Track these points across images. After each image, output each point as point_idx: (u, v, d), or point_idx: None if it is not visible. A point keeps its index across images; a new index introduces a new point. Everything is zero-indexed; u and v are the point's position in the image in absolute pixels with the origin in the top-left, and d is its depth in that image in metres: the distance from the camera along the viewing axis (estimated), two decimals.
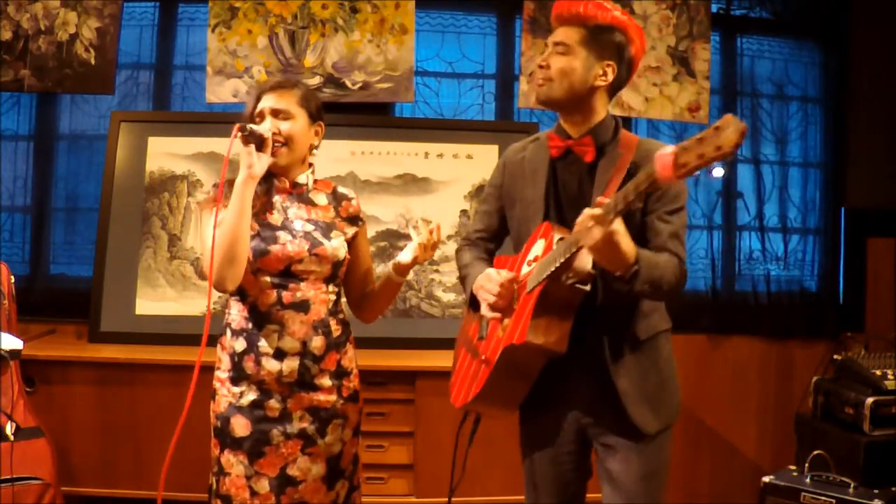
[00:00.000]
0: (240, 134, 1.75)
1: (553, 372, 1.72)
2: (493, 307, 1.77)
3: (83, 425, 2.84)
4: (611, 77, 1.77)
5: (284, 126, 1.84)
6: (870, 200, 3.59)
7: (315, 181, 1.96)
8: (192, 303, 3.16)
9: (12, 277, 2.83)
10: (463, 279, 1.94)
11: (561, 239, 1.65)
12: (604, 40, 1.76)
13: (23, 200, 3.43)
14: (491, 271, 1.80)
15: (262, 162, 1.77)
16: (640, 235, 1.69)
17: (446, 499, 2.03)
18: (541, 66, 1.77)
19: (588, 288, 1.63)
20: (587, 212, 1.49)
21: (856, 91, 3.61)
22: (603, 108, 1.79)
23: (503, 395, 1.78)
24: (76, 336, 3.17)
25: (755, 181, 3.59)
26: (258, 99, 1.87)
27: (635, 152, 1.73)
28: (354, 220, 1.98)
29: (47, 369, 2.83)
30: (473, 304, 1.87)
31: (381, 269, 3.24)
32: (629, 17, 1.79)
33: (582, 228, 1.49)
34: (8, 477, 2.49)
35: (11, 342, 2.63)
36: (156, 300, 3.18)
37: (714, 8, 3.56)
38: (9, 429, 2.55)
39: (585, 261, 1.58)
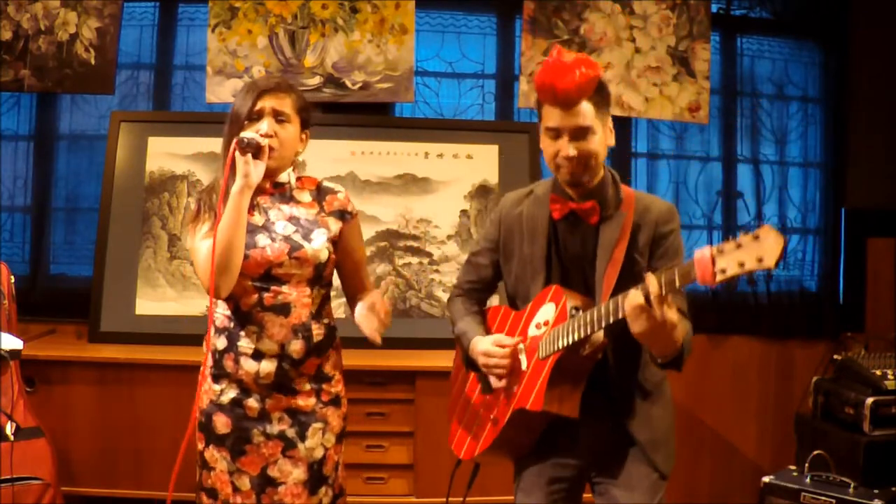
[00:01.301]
0: (236, 145, 1.73)
1: (559, 420, 1.72)
2: (500, 377, 1.79)
3: (83, 425, 2.84)
4: (612, 130, 1.74)
5: (281, 130, 1.83)
6: (870, 200, 3.59)
7: (299, 179, 1.93)
8: (192, 303, 3.16)
9: (12, 277, 2.82)
10: (458, 336, 1.92)
11: (576, 308, 1.66)
12: (604, 98, 1.70)
13: (23, 200, 3.43)
14: (490, 347, 1.78)
15: (258, 170, 1.76)
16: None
17: (445, 499, 2.03)
18: (568, 158, 1.67)
19: (599, 357, 1.67)
20: (636, 301, 1.46)
21: (856, 91, 3.61)
22: (603, 164, 1.75)
23: (510, 449, 1.84)
24: (76, 336, 3.17)
25: (755, 181, 3.59)
26: (258, 97, 1.83)
27: (635, 209, 1.73)
28: (341, 214, 1.92)
29: (47, 369, 2.83)
30: (471, 364, 1.87)
31: (381, 269, 3.25)
32: (585, 56, 1.70)
33: (632, 314, 1.47)
34: (8, 477, 2.49)
35: (11, 342, 2.63)
36: (156, 300, 3.18)
37: (714, 8, 3.56)
38: (9, 429, 2.55)
39: (600, 333, 1.61)
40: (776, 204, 3.62)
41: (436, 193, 3.31)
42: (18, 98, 3.42)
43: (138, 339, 3.08)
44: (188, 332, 3.03)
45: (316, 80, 3.38)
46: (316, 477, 1.85)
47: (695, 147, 3.61)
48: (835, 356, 3.17)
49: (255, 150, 1.75)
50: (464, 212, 3.30)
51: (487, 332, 1.89)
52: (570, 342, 1.61)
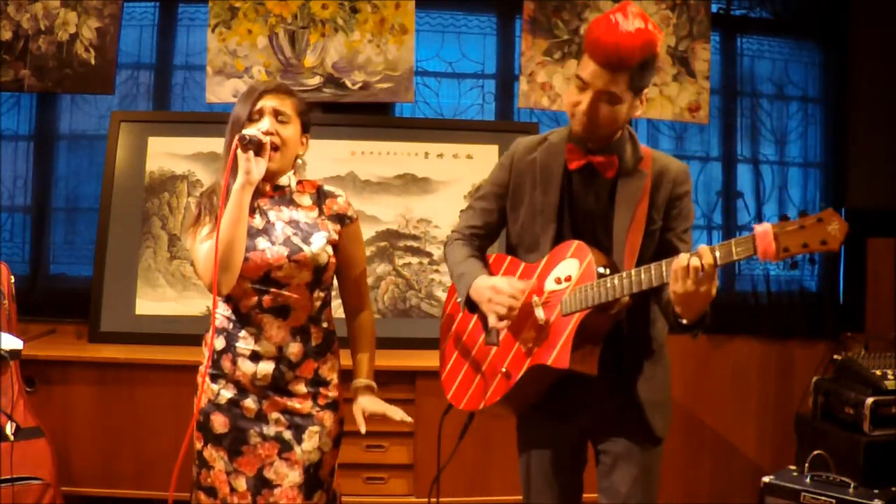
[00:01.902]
0: (237, 142, 1.73)
1: (564, 377, 1.71)
2: (503, 317, 1.72)
3: (83, 425, 2.84)
4: (642, 106, 1.71)
5: (282, 129, 1.83)
6: (870, 200, 3.59)
7: (299, 182, 1.92)
8: (192, 303, 3.16)
9: (12, 277, 2.82)
10: (457, 277, 1.85)
11: (604, 266, 1.64)
12: (646, 74, 1.65)
13: (23, 200, 3.43)
14: (500, 282, 1.72)
15: (259, 167, 1.76)
16: (658, 251, 1.70)
17: (446, 499, 2.03)
18: (584, 113, 1.64)
19: (622, 317, 1.67)
20: (688, 263, 1.45)
21: (856, 91, 3.61)
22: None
23: (520, 403, 1.82)
24: (76, 336, 3.17)
25: (755, 181, 3.59)
26: (258, 98, 1.83)
27: (652, 168, 1.71)
28: (341, 218, 1.91)
29: (47, 369, 2.83)
30: (471, 305, 1.81)
31: (381, 269, 3.25)
32: (655, 27, 1.64)
33: (680, 274, 1.46)
34: (8, 477, 2.49)
35: (11, 342, 2.63)
36: (156, 300, 3.18)
37: (714, 8, 3.56)
38: (9, 429, 2.55)
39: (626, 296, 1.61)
40: (776, 204, 3.62)
41: (436, 193, 3.31)
42: (18, 98, 3.42)
43: (138, 339, 3.08)
44: (188, 332, 3.03)
45: (316, 80, 3.38)
46: (312, 481, 1.84)
47: (695, 147, 3.61)
48: (835, 356, 3.17)
49: (257, 148, 1.75)
50: (463, 212, 3.29)
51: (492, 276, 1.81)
52: (600, 302, 1.59)
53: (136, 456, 2.83)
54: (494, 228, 1.92)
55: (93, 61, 3.33)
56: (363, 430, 1.89)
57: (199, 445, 1.87)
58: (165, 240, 3.22)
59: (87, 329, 3.13)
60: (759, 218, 3.58)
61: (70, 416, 2.83)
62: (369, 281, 3.06)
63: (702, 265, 1.43)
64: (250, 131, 1.76)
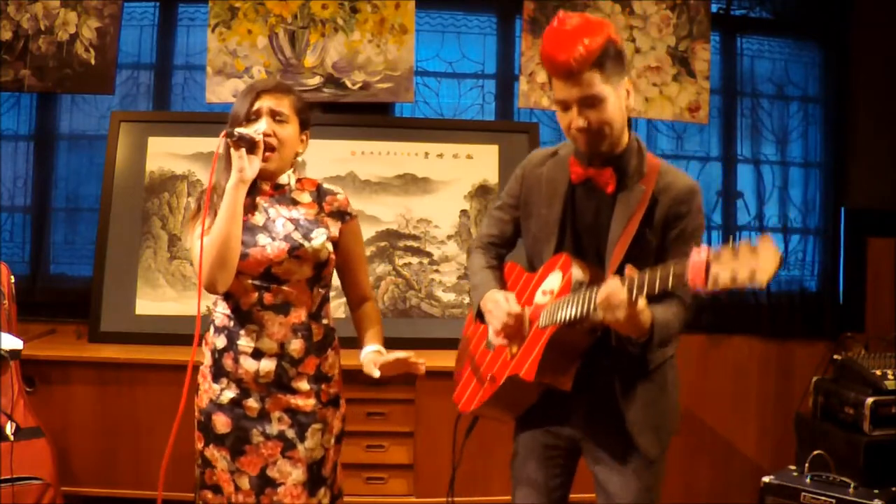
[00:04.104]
0: (228, 140, 1.73)
1: (559, 391, 1.72)
2: (498, 334, 1.77)
3: (83, 425, 2.84)
4: (632, 92, 1.69)
5: (279, 129, 1.83)
6: (870, 200, 3.59)
7: (299, 180, 1.93)
8: (192, 303, 3.16)
9: (12, 277, 2.83)
10: (472, 287, 1.90)
11: (580, 283, 1.64)
12: (614, 62, 1.61)
13: (23, 200, 3.43)
14: (500, 298, 1.76)
15: (253, 165, 1.76)
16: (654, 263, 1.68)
17: (446, 499, 2.03)
18: (579, 129, 1.63)
19: (599, 334, 1.66)
20: (614, 291, 1.46)
21: (856, 91, 3.61)
22: (626, 130, 1.71)
23: (506, 407, 1.84)
24: (76, 336, 3.17)
25: (755, 181, 3.59)
26: (256, 98, 1.83)
27: (655, 184, 1.68)
28: (341, 214, 1.92)
29: (47, 369, 2.83)
30: (480, 316, 1.86)
31: (381, 269, 3.25)
32: (597, 19, 1.64)
33: (605, 304, 1.48)
34: (8, 477, 2.49)
35: (11, 342, 2.63)
36: (156, 300, 3.18)
37: (714, 8, 3.56)
38: (9, 429, 2.55)
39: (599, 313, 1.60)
40: (776, 204, 3.61)
41: (436, 193, 3.31)
42: (18, 98, 3.43)
43: (138, 339, 3.08)
44: (188, 332, 3.01)
45: (316, 80, 3.38)
46: (315, 478, 1.85)
47: (694, 147, 3.61)
48: (835, 356, 3.16)
49: (249, 146, 1.75)
50: (464, 212, 3.30)
51: (503, 289, 1.86)
52: (570, 317, 1.59)
53: (135, 456, 2.83)
54: (510, 238, 1.95)
55: (93, 61, 3.33)
56: (377, 374, 1.84)
57: (199, 445, 1.87)
58: (165, 240, 3.22)
59: (87, 329, 3.13)
60: (760, 218, 3.59)
61: (70, 416, 2.83)
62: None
63: (619, 297, 1.45)
64: (241, 130, 1.76)
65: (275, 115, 1.83)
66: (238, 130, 1.75)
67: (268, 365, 1.81)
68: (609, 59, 1.60)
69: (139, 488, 2.83)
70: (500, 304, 1.74)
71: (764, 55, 3.66)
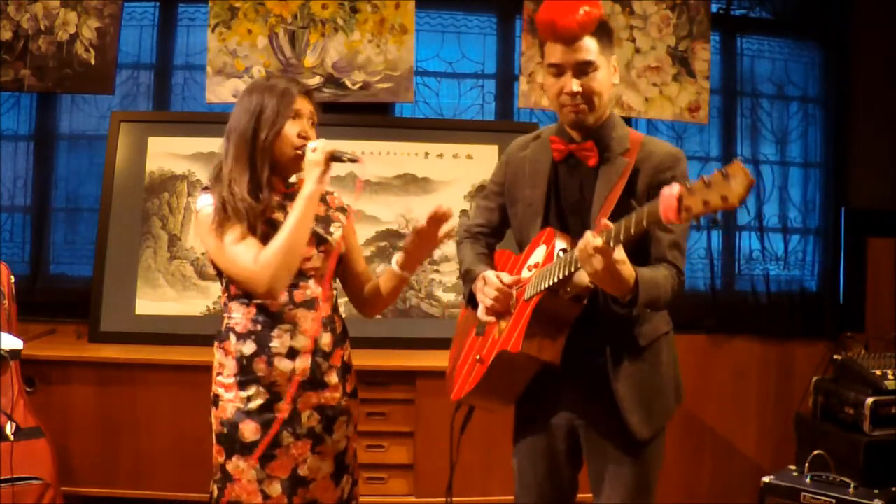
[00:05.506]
0: (329, 159, 1.79)
1: (550, 372, 1.71)
2: (489, 311, 1.78)
3: (83, 425, 2.84)
4: (618, 71, 1.73)
5: (312, 133, 1.86)
6: (870, 200, 3.59)
7: (298, 180, 1.95)
8: (192, 303, 3.16)
9: (12, 277, 2.83)
10: (464, 275, 1.91)
11: (563, 250, 1.64)
12: (607, 36, 1.69)
13: (23, 200, 3.44)
14: (490, 275, 1.78)
15: (327, 177, 1.81)
16: (641, 241, 1.66)
17: (446, 499, 2.03)
18: (572, 94, 1.66)
19: (585, 303, 1.65)
20: (588, 240, 1.46)
21: (856, 91, 3.61)
22: (609, 105, 1.75)
23: (498, 391, 1.81)
24: (76, 336, 3.17)
25: (755, 181, 3.59)
26: (294, 98, 1.82)
27: (638, 154, 1.69)
28: (343, 209, 1.99)
29: (47, 369, 2.83)
30: (472, 301, 1.86)
31: (381, 269, 3.24)
32: None
33: (583, 255, 1.48)
34: (8, 477, 2.49)
35: (11, 342, 2.63)
36: (156, 300, 3.18)
37: (714, 8, 3.56)
38: (9, 429, 2.55)
39: (584, 276, 1.57)
40: (776, 204, 3.62)
41: (436, 193, 3.31)
42: (18, 98, 3.43)
43: (138, 339, 3.08)
44: (188, 332, 3.04)
45: (316, 80, 3.38)
46: (340, 468, 1.88)
47: (694, 147, 3.61)
48: (835, 356, 3.16)
49: (338, 160, 1.81)
50: (464, 212, 3.30)
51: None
52: (552, 283, 1.59)
53: (135, 456, 2.83)
54: (497, 226, 1.96)
55: (93, 61, 3.33)
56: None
57: (220, 459, 1.82)
58: (165, 240, 3.22)
59: (87, 329, 3.13)
60: (760, 218, 3.59)
61: (70, 416, 2.84)
62: None
63: (592, 244, 1.45)
64: (348, 153, 1.82)
65: (312, 118, 1.87)
66: (347, 154, 1.80)
67: (303, 363, 1.81)
68: (604, 30, 1.67)
69: (139, 488, 2.83)
70: (489, 281, 1.76)
71: (764, 55, 3.66)
